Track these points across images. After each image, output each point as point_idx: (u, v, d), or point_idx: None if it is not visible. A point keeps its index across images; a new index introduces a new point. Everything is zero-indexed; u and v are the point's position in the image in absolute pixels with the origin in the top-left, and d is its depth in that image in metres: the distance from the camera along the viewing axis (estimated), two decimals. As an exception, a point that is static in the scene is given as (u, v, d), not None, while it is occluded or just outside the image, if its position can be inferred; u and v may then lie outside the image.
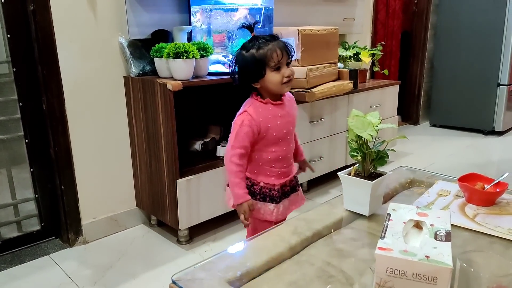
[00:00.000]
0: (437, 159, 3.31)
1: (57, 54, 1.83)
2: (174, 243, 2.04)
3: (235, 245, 0.95)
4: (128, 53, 2.00)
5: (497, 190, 1.12)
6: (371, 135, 0.99)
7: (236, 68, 1.32)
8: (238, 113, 1.33)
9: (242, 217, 1.32)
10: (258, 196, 1.36)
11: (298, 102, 2.27)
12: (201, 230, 2.11)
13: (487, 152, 3.57)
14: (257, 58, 1.26)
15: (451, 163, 3.19)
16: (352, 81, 2.56)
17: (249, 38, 1.32)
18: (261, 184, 1.35)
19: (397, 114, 3.28)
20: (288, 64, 1.30)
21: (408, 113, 4.56)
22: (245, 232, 1.74)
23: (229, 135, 1.32)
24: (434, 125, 4.41)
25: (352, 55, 2.92)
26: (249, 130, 1.28)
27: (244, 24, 1.36)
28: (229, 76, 1.39)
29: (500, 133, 4.02)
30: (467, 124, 4.14)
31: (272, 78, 1.27)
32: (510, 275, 0.57)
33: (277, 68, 1.27)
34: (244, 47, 1.30)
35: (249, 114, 1.29)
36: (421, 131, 4.26)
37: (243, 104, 1.36)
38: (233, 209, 1.38)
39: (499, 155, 3.53)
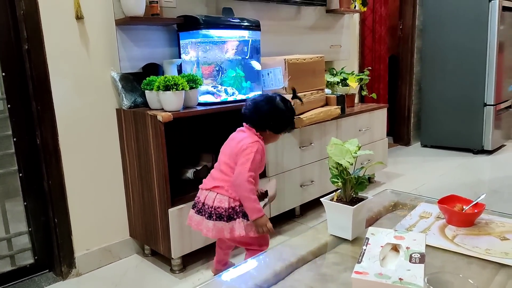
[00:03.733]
0: (428, 180, 3.35)
1: (51, 90, 1.89)
2: (167, 272, 2.04)
3: (223, 274, 0.98)
4: (120, 86, 2.06)
5: (475, 211, 1.16)
6: (349, 162, 1.04)
7: (265, 108, 1.66)
8: (248, 141, 1.60)
9: (269, 224, 1.58)
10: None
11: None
12: (194, 259, 2.12)
13: (477, 171, 3.62)
14: (284, 123, 1.69)
15: (442, 183, 3.24)
16: (340, 106, 2.63)
17: (284, 99, 1.72)
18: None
19: (389, 136, 3.34)
20: None
21: (399, 134, 4.63)
22: (236, 260, 1.77)
23: (240, 158, 1.57)
24: (425, 146, 4.47)
25: (339, 80, 3.00)
26: (259, 158, 1.60)
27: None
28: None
29: (489, 152, 4.09)
30: (457, 144, 4.21)
31: (275, 138, 1.74)
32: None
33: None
34: (282, 104, 1.69)
35: (261, 145, 1.62)
36: (412, 152, 4.32)
37: (247, 135, 1.64)
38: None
39: (489, 173, 3.58)
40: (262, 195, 1.73)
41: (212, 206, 1.60)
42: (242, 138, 1.64)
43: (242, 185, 1.54)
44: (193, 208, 1.69)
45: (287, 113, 1.70)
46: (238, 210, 1.60)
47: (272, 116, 1.66)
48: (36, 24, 1.82)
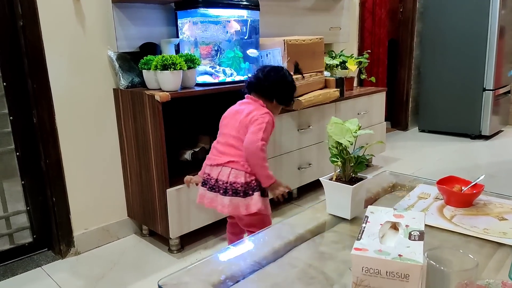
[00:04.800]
0: (426, 164, 3.36)
1: (46, 68, 1.86)
2: (165, 252, 2.06)
3: (221, 251, 0.98)
4: (117, 66, 2.03)
5: (474, 191, 1.16)
6: (349, 141, 1.03)
7: (275, 76, 1.66)
8: (259, 113, 1.58)
9: (281, 188, 1.57)
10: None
11: (286, 110, 2.32)
12: (192, 239, 2.14)
13: (474, 156, 3.64)
14: (291, 93, 1.73)
15: (439, 168, 3.25)
16: (339, 89, 2.61)
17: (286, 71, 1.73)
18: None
19: (387, 120, 3.34)
20: None
21: (397, 119, 4.63)
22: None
23: (251, 128, 1.55)
24: (423, 131, 4.48)
25: (338, 63, 2.98)
26: (271, 129, 1.61)
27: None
28: (246, 82, 1.73)
29: (487, 137, 4.10)
30: (455, 129, 4.22)
31: (278, 110, 1.74)
32: (472, 269, 0.60)
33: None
34: (288, 74, 1.72)
35: (271, 117, 1.61)
36: (410, 137, 4.33)
37: (255, 107, 1.61)
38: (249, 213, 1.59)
39: (486, 158, 3.60)
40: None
41: (228, 182, 1.56)
42: (251, 110, 1.60)
43: (256, 153, 1.52)
44: (203, 185, 1.64)
45: (294, 83, 1.73)
46: (253, 185, 1.56)
47: (281, 85, 1.67)
48: (31, 0, 1.78)
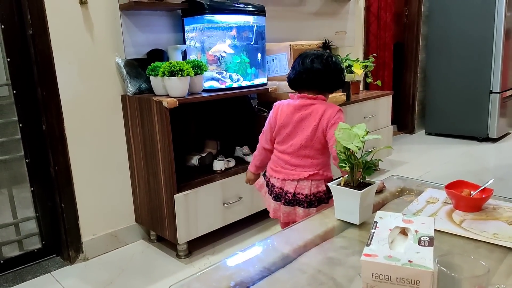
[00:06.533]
0: (433, 167, 3.34)
1: (56, 76, 1.88)
2: (173, 257, 2.06)
3: (230, 257, 0.99)
4: (125, 72, 2.05)
5: (483, 196, 1.15)
6: (357, 147, 1.03)
7: (336, 64, 1.47)
8: (332, 112, 1.42)
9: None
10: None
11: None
12: (200, 244, 2.14)
13: (482, 158, 3.61)
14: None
15: (446, 171, 3.23)
16: (345, 93, 2.61)
17: (332, 55, 1.51)
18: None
19: (393, 124, 3.33)
20: None
21: (403, 122, 4.61)
22: (242, 245, 1.75)
23: (330, 131, 1.40)
24: (429, 134, 4.46)
25: (344, 67, 2.98)
26: None
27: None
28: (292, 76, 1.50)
29: (494, 140, 4.07)
30: (462, 132, 4.19)
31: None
32: (484, 275, 0.60)
33: None
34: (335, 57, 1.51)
35: (342, 112, 1.45)
36: (417, 140, 4.31)
37: (323, 106, 1.44)
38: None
39: (494, 161, 3.58)
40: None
41: (311, 194, 1.45)
42: (321, 111, 1.42)
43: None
44: (276, 200, 1.50)
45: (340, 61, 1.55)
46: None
47: (340, 72, 1.49)
48: (40, 9, 1.81)
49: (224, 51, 2.08)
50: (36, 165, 1.98)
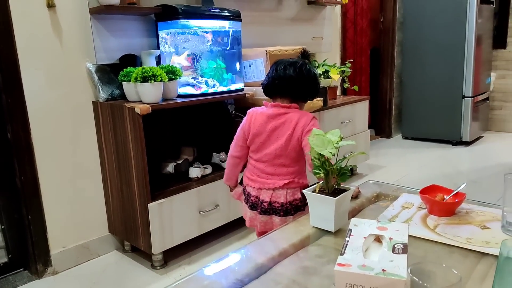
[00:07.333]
0: (410, 171, 3.39)
1: (21, 82, 1.81)
2: (148, 268, 2.00)
3: (206, 267, 0.95)
4: (96, 78, 1.99)
5: (456, 200, 1.16)
6: (331, 153, 1.02)
7: (311, 72, 1.46)
8: (306, 120, 1.42)
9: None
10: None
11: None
12: (176, 254, 2.09)
13: (456, 162, 3.69)
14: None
15: (423, 174, 3.28)
16: (322, 99, 2.62)
17: (307, 62, 1.49)
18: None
19: (371, 128, 3.36)
20: None
21: (381, 127, 4.68)
22: (220, 253, 1.71)
23: (305, 139, 1.38)
24: (406, 138, 4.53)
25: (321, 73, 2.99)
26: None
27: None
28: (265, 82, 1.49)
29: (467, 143, 4.16)
30: (437, 136, 4.28)
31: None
32: (456, 284, 0.59)
33: None
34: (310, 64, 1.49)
35: (316, 119, 1.46)
36: (394, 144, 4.37)
37: (296, 114, 1.43)
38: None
39: (467, 164, 3.65)
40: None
41: (287, 202, 1.44)
42: (295, 120, 1.41)
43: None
44: (252, 209, 1.49)
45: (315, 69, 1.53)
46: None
47: (314, 80, 1.47)
48: (5, 12, 1.74)
49: (178, 63, 2.05)
50: (1, 176, 1.89)
